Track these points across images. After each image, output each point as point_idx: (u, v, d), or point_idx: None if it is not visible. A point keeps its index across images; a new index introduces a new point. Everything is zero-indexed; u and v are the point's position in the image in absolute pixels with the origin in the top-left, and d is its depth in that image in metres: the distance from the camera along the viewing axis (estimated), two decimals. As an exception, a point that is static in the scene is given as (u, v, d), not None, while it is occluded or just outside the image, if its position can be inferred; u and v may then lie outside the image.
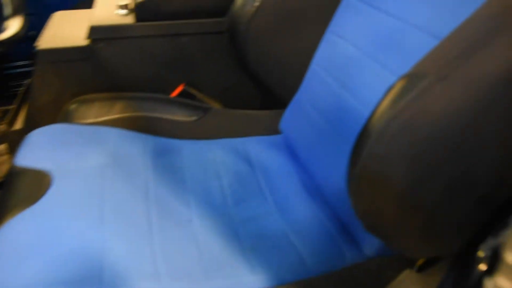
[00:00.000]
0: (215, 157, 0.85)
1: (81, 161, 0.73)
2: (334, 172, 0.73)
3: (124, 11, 0.98)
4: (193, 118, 0.92)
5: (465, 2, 0.55)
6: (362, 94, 0.69)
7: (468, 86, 0.38)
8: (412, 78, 0.39)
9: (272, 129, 0.93)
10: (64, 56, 0.91)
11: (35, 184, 0.67)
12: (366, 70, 0.70)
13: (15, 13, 0.79)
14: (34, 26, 1.08)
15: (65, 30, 0.97)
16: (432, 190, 0.43)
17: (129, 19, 0.95)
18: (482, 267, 0.45)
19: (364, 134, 0.41)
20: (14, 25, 0.78)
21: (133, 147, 0.81)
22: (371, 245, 0.64)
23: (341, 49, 0.77)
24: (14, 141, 0.85)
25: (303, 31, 0.84)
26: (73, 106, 0.90)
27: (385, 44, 0.68)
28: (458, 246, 0.50)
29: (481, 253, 0.46)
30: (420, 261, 0.59)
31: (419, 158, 0.40)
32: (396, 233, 0.47)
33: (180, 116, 0.91)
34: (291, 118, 0.88)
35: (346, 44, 0.76)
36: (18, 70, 1.39)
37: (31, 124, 0.90)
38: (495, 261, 0.44)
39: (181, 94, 0.98)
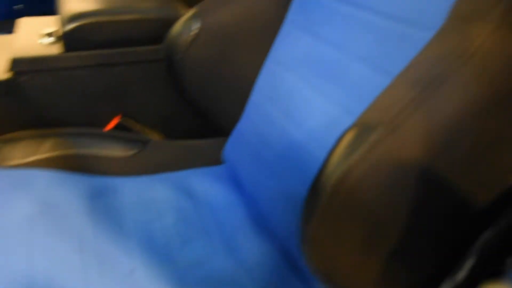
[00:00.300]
0: (156, 195, 0.80)
1: (5, 212, 0.66)
2: (281, 206, 0.70)
3: (50, 40, 0.91)
4: (131, 152, 0.86)
5: (408, 35, 0.54)
6: (306, 126, 0.67)
7: (422, 134, 0.37)
8: (363, 130, 0.38)
9: (216, 159, 0.89)
10: (-17, 91, 0.83)
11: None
12: (309, 101, 0.68)
13: None
14: None
15: (-17, 61, 0.89)
16: (389, 238, 0.41)
17: (56, 49, 0.88)
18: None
19: (315, 191, 0.38)
20: None
21: (66, 190, 0.74)
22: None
23: (282, 78, 0.75)
24: None
25: (243, 58, 0.82)
26: (-5, 147, 0.82)
27: (327, 75, 0.67)
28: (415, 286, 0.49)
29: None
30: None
31: (376, 210, 0.38)
32: (352, 282, 0.45)
33: (117, 151, 0.86)
34: (234, 148, 0.85)
35: (288, 73, 0.75)
36: None
37: None
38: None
39: (117, 127, 0.92)
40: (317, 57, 0.70)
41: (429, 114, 0.36)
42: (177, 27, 0.80)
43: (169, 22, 0.84)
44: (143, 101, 0.94)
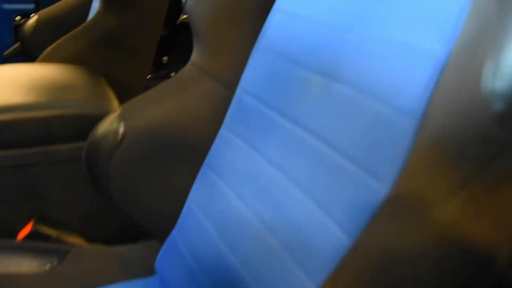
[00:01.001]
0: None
1: None
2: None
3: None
4: (46, 266, 0.74)
5: (358, 181, 0.48)
6: (241, 253, 0.59)
7: None
8: None
9: (148, 267, 0.79)
10: None
11: None
12: (244, 223, 0.60)
13: None
14: None
15: None
16: None
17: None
18: None
19: None
20: None
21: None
22: None
23: (218, 190, 0.68)
24: None
25: (174, 163, 0.73)
26: None
27: (265, 197, 0.59)
28: None
29: None
30: None
31: None
32: None
33: (29, 266, 0.74)
34: (167, 260, 0.76)
35: (224, 185, 0.67)
36: None
37: None
38: None
39: (30, 236, 0.80)
40: (255, 173, 0.63)
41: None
42: (100, 129, 0.71)
43: (93, 119, 0.75)
44: (61, 203, 0.83)
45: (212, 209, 0.68)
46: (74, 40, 1.10)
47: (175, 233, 0.75)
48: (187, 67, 0.74)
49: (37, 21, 1.53)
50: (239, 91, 0.69)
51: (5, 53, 1.63)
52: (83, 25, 1.12)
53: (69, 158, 0.80)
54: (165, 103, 0.71)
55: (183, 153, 0.72)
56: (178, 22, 1.87)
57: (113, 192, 0.74)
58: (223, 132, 0.70)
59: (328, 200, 0.50)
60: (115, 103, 0.84)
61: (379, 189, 0.44)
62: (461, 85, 0.32)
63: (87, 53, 1.11)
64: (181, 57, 1.94)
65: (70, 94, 0.82)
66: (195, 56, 0.74)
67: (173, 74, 1.90)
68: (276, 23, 0.67)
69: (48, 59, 1.10)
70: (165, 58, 1.85)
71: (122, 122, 0.70)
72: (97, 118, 0.73)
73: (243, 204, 0.62)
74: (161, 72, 1.88)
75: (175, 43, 1.89)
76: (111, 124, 0.70)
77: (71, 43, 1.10)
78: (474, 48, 0.32)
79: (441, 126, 0.34)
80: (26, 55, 1.59)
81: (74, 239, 0.85)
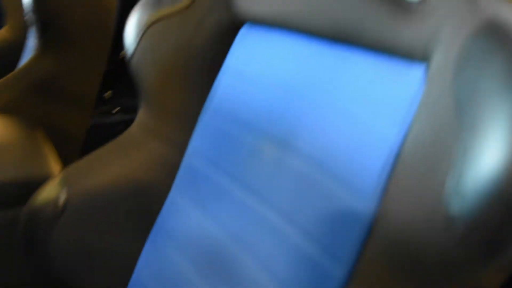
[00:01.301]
0: None
1: None
2: None
3: None
4: None
5: (317, 262, 0.46)
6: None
7: None
8: None
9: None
10: None
11: None
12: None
13: None
14: None
15: None
16: None
17: None
18: None
19: None
20: None
21: None
22: None
23: (169, 259, 0.64)
24: None
25: (124, 230, 0.69)
26: None
27: (220, 271, 0.56)
28: None
29: None
30: None
31: None
32: None
33: None
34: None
35: (175, 254, 0.63)
36: None
37: None
38: None
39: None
40: (208, 241, 0.60)
41: None
42: (40, 196, 0.65)
43: (28, 184, 0.69)
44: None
45: (162, 278, 0.64)
46: (7, 87, 1.03)
47: (124, 302, 0.71)
48: (133, 127, 0.70)
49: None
50: (188, 154, 0.67)
51: None
52: (17, 70, 1.05)
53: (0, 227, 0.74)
54: (111, 167, 0.67)
55: (131, 220, 0.68)
56: (120, 56, 1.82)
57: (54, 264, 0.68)
58: (173, 196, 0.67)
59: (286, 278, 0.49)
60: (53, 162, 0.79)
61: (338, 273, 0.43)
62: (418, 192, 0.31)
63: (22, 101, 1.03)
64: (124, 91, 1.88)
65: (0, 155, 0.75)
66: (141, 115, 0.71)
67: (116, 109, 1.83)
68: (226, 83, 0.65)
69: (-22, 109, 1.02)
70: (107, 93, 1.79)
71: (64, 189, 0.65)
72: (33, 183, 0.68)
73: (196, 274, 0.59)
74: (104, 108, 1.81)
75: (117, 78, 1.83)
76: (52, 191, 0.66)
77: (3, 91, 1.03)
78: (430, 150, 0.32)
79: (395, 230, 0.33)
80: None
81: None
